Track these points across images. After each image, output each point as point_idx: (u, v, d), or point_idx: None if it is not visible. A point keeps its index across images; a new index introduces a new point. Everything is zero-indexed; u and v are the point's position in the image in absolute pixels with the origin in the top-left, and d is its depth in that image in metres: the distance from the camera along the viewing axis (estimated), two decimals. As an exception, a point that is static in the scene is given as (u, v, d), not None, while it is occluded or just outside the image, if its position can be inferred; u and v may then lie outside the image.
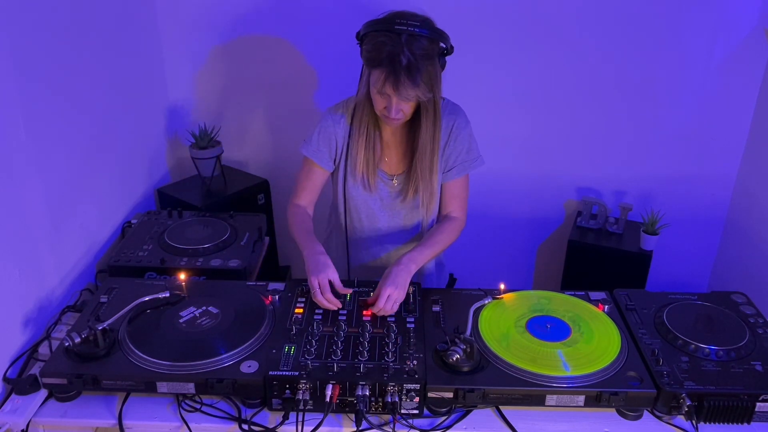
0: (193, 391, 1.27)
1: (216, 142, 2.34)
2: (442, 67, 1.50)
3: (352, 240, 1.77)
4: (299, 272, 2.72)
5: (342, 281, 1.48)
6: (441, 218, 1.73)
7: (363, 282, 1.54)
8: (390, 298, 1.42)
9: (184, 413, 1.28)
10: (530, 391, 1.25)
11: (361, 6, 2.24)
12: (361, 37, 1.50)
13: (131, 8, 2.08)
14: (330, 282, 1.46)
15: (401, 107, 1.48)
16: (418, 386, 1.23)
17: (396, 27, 1.40)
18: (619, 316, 1.47)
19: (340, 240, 1.79)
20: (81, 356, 1.30)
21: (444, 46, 1.47)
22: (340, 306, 1.45)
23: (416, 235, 1.77)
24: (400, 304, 1.45)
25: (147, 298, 1.44)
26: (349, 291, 1.49)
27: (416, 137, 1.59)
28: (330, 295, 1.44)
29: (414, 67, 1.40)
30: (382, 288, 1.44)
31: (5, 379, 1.35)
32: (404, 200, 1.69)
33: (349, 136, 1.62)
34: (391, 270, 1.48)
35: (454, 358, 1.26)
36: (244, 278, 1.69)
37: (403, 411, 1.25)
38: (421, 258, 1.54)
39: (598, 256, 2.38)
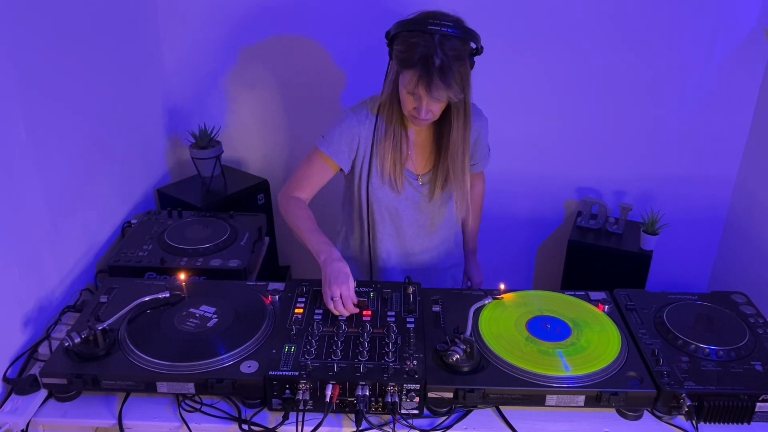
0: (193, 391, 1.27)
1: (216, 142, 2.34)
2: (471, 66, 1.49)
3: (376, 242, 1.75)
4: (299, 272, 2.72)
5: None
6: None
7: (362, 282, 1.54)
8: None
9: (184, 413, 1.28)
10: (530, 391, 1.25)
11: (361, 5, 2.24)
12: (391, 37, 1.48)
13: (131, 7, 2.08)
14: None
15: (431, 108, 1.48)
16: (418, 386, 1.23)
17: (429, 27, 1.39)
18: (619, 316, 1.47)
19: (359, 243, 1.77)
20: (81, 356, 1.30)
21: (475, 46, 1.47)
22: (357, 311, 1.43)
23: (445, 234, 1.78)
24: (404, 303, 1.47)
25: (147, 298, 1.43)
26: (355, 311, 1.43)
27: (445, 137, 1.59)
28: (351, 306, 1.41)
29: (447, 68, 1.40)
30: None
31: (5, 379, 1.35)
32: (431, 199, 1.69)
33: (374, 137, 1.61)
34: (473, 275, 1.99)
35: (454, 358, 1.26)
36: (244, 278, 1.69)
37: (403, 411, 1.25)
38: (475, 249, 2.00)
39: (598, 256, 2.38)
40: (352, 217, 1.76)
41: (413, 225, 1.73)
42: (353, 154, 1.64)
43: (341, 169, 1.65)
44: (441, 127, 1.60)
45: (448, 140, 1.58)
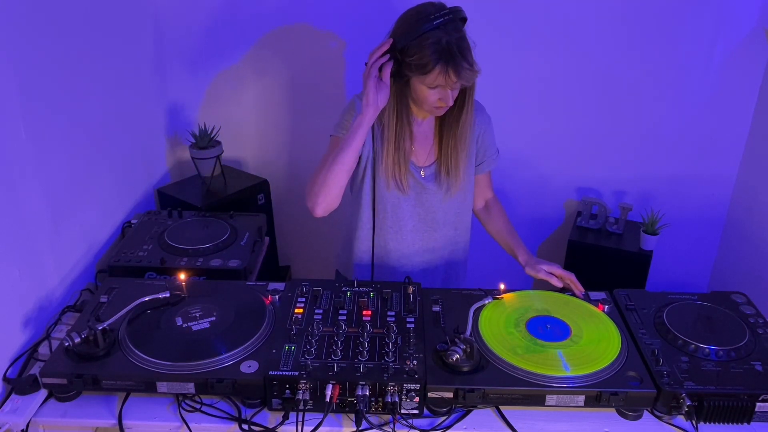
0: (193, 391, 1.27)
1: (216, 142, 2.34)
2: None
3: (379, 241, 1.74)
4: (299, 272, 2.73)
5: (347, 281, 1.47)
6: (486, 207, 1.86)
7: (362, 282, 1.54)
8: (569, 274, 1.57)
9: (184, 413, 1.28)
10: (530, 391, 1.25)
11: (361, 5, 2.24)
12: (400, 51, 1.46)
13: (131, 8, 2.08)
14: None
15: (454, 93, 1.52)
16: (418, 386, 1.23)
17: (435, 23, 1.42)
18: (619, 316, 1.47)
19: (361, 243, 1.76)
20: (81, 356, 1.30)
21: (461, 16, 1.49)
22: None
23: (447, 232, 1.77)
24: (404, 303, 1.46)
25: (147, 298, 1.43)
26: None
27: (453, 123, 1.60)
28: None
29: (464, 49, 1.44)
30: (557, 270, 1.59)
31: (5, 379, 1.35)
32: (434, 192, 1.69)
33: (374, 134, 1.61)
34: (538, 260, 1.65)
35: (454, 358, 1.26)
36: (244, 278, 1.69)
37: (403, 411, 1.25)
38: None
39: (598, 256, 2.38)
40: (356, 218, 1.75)
41: (414, 220, 1.72)
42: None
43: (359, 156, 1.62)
44: (443, 116, 1.61)
45: (457, 125, 1.60)
